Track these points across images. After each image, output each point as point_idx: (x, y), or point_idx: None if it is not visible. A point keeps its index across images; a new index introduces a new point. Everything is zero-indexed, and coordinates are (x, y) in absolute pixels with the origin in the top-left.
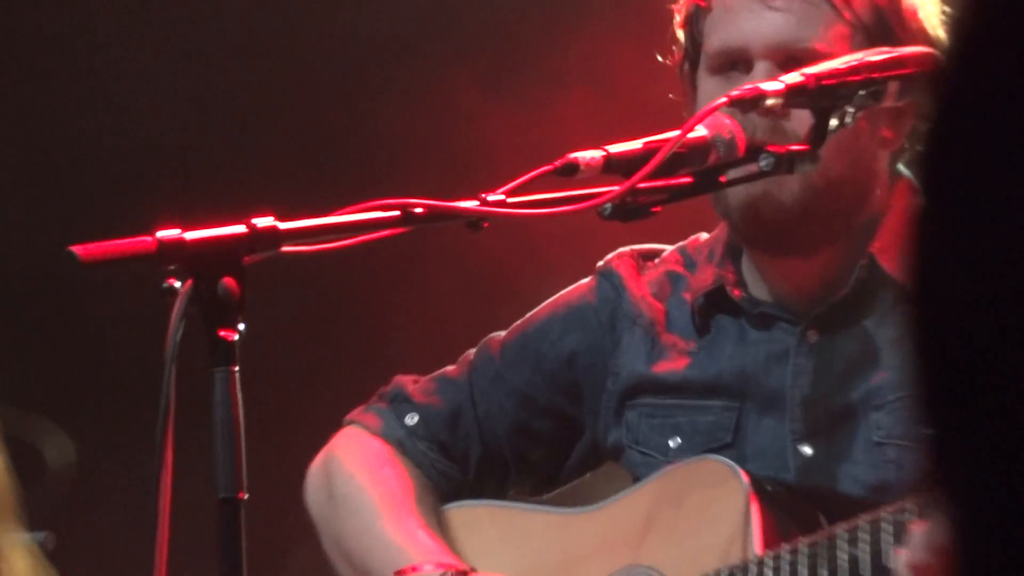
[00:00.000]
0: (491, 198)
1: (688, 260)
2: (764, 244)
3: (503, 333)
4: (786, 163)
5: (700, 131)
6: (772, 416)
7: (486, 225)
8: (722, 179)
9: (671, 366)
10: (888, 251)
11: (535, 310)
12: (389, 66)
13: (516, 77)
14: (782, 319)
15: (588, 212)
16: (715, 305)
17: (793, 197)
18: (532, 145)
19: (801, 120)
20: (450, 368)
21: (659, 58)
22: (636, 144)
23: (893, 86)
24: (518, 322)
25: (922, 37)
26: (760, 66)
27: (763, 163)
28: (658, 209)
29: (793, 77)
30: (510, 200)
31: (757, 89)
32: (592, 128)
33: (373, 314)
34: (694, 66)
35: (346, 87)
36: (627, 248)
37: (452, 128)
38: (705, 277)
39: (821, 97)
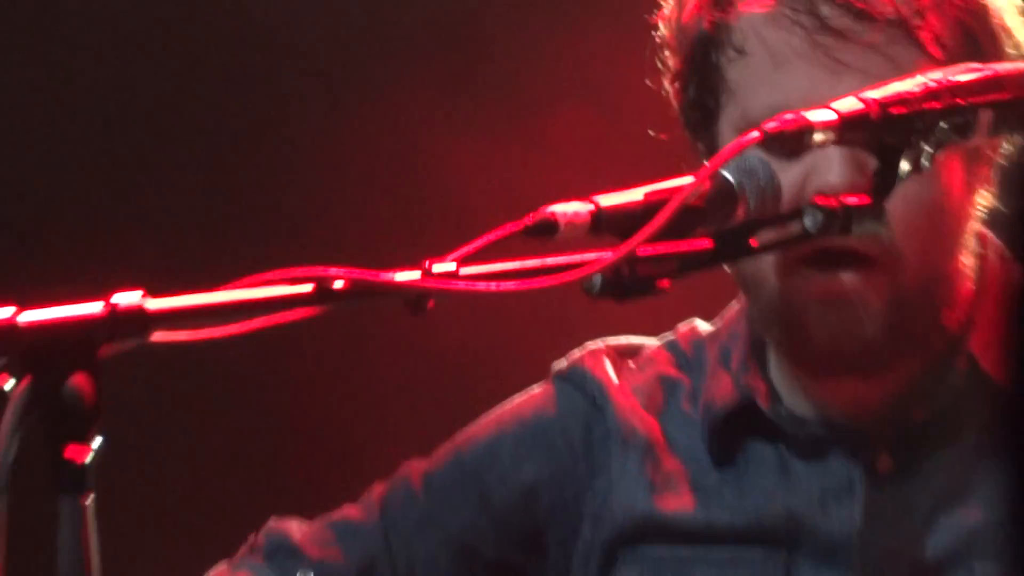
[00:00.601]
0: (438, 268)
1: (684, 360)
2: (829, 372)
3: (422, 461)
4: (840, 221)
5: (724, 177)
6: (834, 570)
7: (431, 305)
8: (752, 242)
9: (681, 503)
10: (992, 347)
11: (469, 428)
12: (310, 77)
13: (485, 94)
14: (840, 443)
15: (571, 288)
16: (739, 425)
17: (880, 321)
18: (502, 191)
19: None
20: (350, 509)
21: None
22: (636, 194)
23: (986, 116)
24: (446, 445)
25: (1018, 54)
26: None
27: (809, 221)
28: (666, 284)
29: (849, 103)
30: (464, 271)
31: (801, 119)
32: (585, 166)
33: (286, 423)
34: (707, 116)
35: (246, 103)
36: (598, 343)
37: (395, 166)
38: (720, 387)
39: (888, 131)
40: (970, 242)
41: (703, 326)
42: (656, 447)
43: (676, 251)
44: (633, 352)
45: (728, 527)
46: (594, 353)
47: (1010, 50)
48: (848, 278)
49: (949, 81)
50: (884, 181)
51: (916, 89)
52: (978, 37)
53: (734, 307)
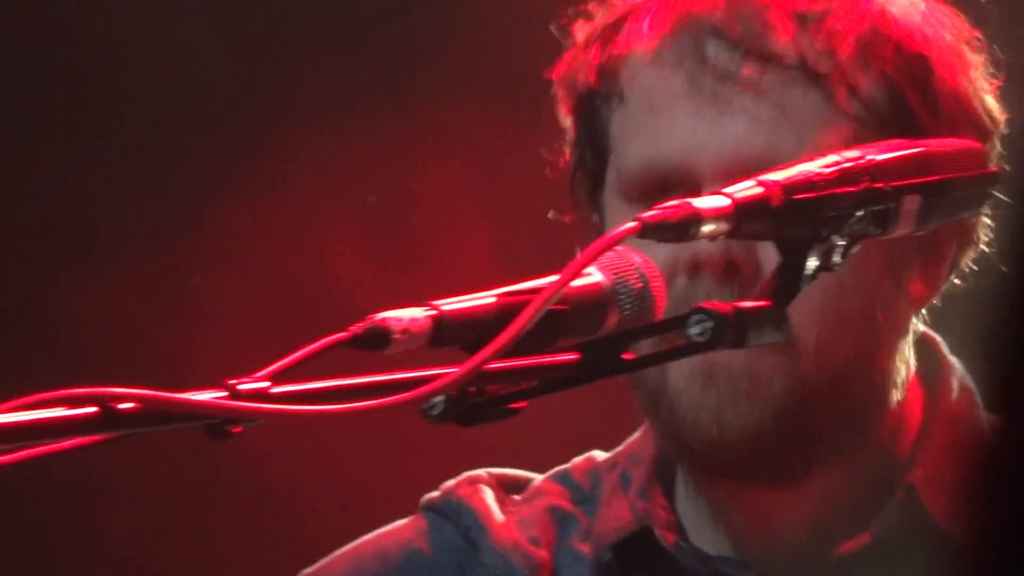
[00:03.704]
0: (245, 387)
1: (579, 493)
2: (725, 472)
3: None
4: (733, 330)
5: (593, 276)
6: None
7: (237, 430)
8: (626, 356)
9: None
10: (939, 484)
11: (321, 563)
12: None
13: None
14: None
15: (408, 411)
16: (635, 560)
17: (772, 404)
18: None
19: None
20: None
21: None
22: (486, 297)
23: (911, 203)
24: None
25: (968, 122)
26: None
27: (694, 330)
28: (521, 405)
29: (746, 188)
30: (275, 390)
31: (686, 207)
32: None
33: None
34: (596, 181)
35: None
36: (477, 472)
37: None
38: (616, 514)
39: (793, 221)
40: (903, 348)
41: (601, 456)
42: None
43: (535, 366)
44: (518, 485)
45: None
46: (472, 481)
47: (963, 120)
48: (734, 355)
49: (867, 161)
50: (787, 281)
51: (827, 170)
52: (908, 100)
53: (636, 435)
